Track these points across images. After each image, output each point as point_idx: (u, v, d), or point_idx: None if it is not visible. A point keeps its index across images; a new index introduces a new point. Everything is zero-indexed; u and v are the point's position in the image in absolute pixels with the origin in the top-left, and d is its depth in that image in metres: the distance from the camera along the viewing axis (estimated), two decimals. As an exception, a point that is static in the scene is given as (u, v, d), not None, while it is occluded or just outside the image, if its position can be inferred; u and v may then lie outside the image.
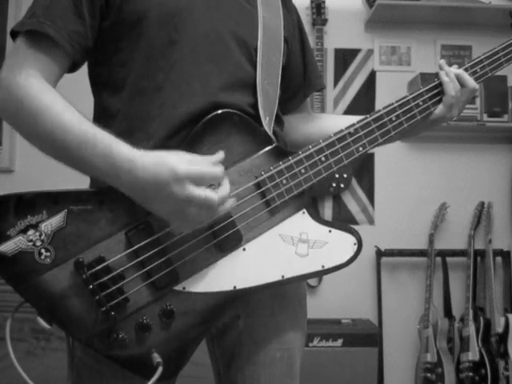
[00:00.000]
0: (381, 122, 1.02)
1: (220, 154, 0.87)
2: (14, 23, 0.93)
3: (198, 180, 0.82)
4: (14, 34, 0.93)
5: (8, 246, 0.83)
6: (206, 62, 0.96)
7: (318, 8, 2.76)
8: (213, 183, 0.84)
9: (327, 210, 2.79)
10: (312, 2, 2.77)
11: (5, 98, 0.90)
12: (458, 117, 1.12)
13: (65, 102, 0.88)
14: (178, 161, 0.82)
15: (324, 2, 2.76)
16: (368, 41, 2.86)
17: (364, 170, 2.82)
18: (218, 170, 0.85)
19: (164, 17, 0.94)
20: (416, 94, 1.06)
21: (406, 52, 2.86)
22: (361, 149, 1.00)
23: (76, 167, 0.89)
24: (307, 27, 2.77)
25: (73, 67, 0.96)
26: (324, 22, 2.76)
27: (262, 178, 0.94)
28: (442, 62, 1.10)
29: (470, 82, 1.08)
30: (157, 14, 0.94)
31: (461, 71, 1.08)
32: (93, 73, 1.02)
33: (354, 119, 1.03)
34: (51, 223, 0.85)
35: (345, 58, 2.84)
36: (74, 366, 0.96)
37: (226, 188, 0.85)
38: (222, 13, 0.99)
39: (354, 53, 2.84)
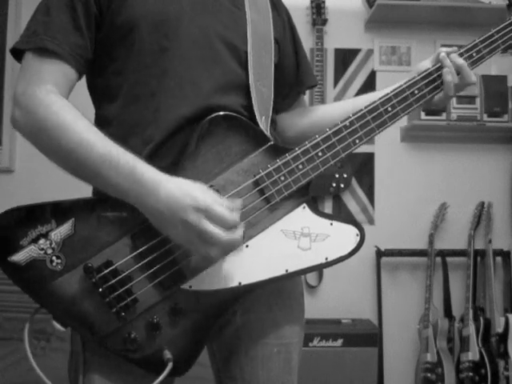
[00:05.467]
0: (376, 112, 1.01)
1: (239, 202, 0.90)
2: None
3: (214, 218, 0.85)
4: (16, 52, 0.96)
5: (21, 256, 0.87)
6: (197, 67, 0.98)
7: (318, 8, 2.76)
8: (226, 227, 0.86)
9: (327, 210, 2.79)
10: (312, 1, 2.77)
11: (26, 115, 0.92)
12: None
13: (85, 119, 0.91)
14: (203, 194, 0.86)
15: (324, 2, 2.76)
16: (368, 41, 2.86)
17: (364, 170, 2.82)
18: (234, 218, 0.87)
19: (154, 25, 0.97)
20: (411, 82, 1.04)
21: (406, 52, 2.86)
22: (357, 141, 1.00)
23: (96, 184, 0.92)
24: (307, 27, 2.78)
25: (78, 78, 0.99)
26: (324, 22, 2.76)
27: (259, 175, 0.95)
28: (443, 56, 1.05)
29: (470, 77, 1.05)
30: (147, 23, 0.96)
31: (463, 64, 1.04)
32: (91, 83, 1.05)
33: (343, 104, 1.04)
34: (60, 231, 0.88)
35: (345, 58, 2.84)
36: (72, 362, 0.99)
37: (239, 233, 0.87)
38: (210, 18, 1.01)
39: (354, 53, 2.85)
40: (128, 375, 0.94)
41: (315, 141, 0.98)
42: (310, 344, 2.42)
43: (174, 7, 0.98)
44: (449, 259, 2.74)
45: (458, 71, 1.05)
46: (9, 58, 2.59)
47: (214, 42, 1.00)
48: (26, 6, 2.60)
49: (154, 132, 0.95)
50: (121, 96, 0.97)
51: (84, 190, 0.98)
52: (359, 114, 1.00)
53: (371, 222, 2.82)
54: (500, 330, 2.53)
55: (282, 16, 1.16)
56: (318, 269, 0.99)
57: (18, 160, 2.72)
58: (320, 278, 2.78)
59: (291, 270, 0.96)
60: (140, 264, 0.90)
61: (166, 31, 0.97)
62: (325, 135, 0.98)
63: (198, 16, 1.00)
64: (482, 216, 2.74)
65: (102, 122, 0.99)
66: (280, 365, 1.03)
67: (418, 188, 2.82)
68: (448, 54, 1.06)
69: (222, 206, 0.86)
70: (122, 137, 0.94)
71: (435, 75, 1.06)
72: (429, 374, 2.55)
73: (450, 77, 1.04)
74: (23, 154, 2.68)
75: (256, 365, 1.02)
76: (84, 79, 1.05)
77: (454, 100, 2.67)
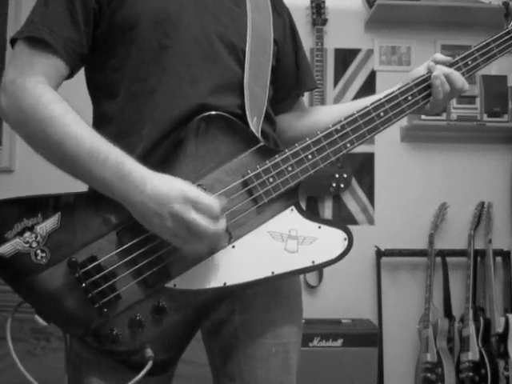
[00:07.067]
0: (368, 117, 1.01)
1: (223, 200, 0.89)
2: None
3: (202, 209, 0.85)
4: (14, 42, 0.96)
5: (6, 248, 0.87)
6: (196, 66, 0.98)
7: (318, 8, 2.76)
8: (213, 217, 0.87)
9: (327, 210, 2.79)
10: (312, 1, 2.77)
11: (13, 104, 0.91)
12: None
13: (74, 112, 0.90)
14: (189, 186, 0.87)
15: (324, 2, 2.76)
16: (368, 41, 2.86)
17: (364, 170, 2.82)
18: (220, 208, 0.87)
19: (155, 23, 0.96)
20: (404, 88, 1.05)
21: (406, 52, 2.86)
22: (348, 145, 1.00)
23: (82, 178, 0.91)
24: (307, 27, 2.78)
25: (70, 74, 0.98)
26: (324, 22, 2.76)
27: (248, 176, 0.95)
28: (432, 64, 1.07)
29: (459, 82, 1.06)
30: (148, 21, 0.96)
31: (451, 71, 1.05)
32: (89, 79, 1.04)
33: (342, 107, 1.04)
34: (46, 225, 0.88)
35: (345, 58, 2.84)
36: (70, 359, 0.99)
37: (222, 225, 0.88)
38: (211, 16, 1.01)
39: (354, 53, 2.85)
40: (120, 373, 0.93)
41: (306, 143, 0.98)
42: (310, 344, 2.42)
43: (175, 5, 0.98)
44: (449, 259, 2.74)
45: (448, 80, 1.05)
46: (9, 57, 2.58)
47: (214, 42, 1.00)
48: (25, 6, 2.62)
49: (150, 129, 0.95)
50: (120, 93, 0.97)
51: (84, 190, 0.98)
52: (351, 119, 1.00)
53: (371, 222, 2.82)
54: (500, 330, 2.52)
55: (283, 17, 1.16)
56: (305, 272, 0.98)
57: (18, 160, 2.72)
58: (320, 277, 2.78)
59: (277, 272, 0.95)
60: (125, 260, 0.90)
61: (167, 29, 0.97)
62: (315, 138, 0.98)
63: (198, 15, 1.00)
64: (482, 216, 2.74)
65: (101, 120, 1.00)
66: (278, 364, 1.03)
67: (418, 188, 2.82)
68: (437, 62, 1.07)
69: (209, 197, 0.87)
70: (120, 134, 0.94)
71: (429, 82, 1.06)
72: (429, 374, 2.55)
73: (438, 81, 1.04)
74: (23, 154, 2.68)
75: (254, 364, 1.02)
76: (82, 78, 1.04)
77: (454, 100, 2.67)
